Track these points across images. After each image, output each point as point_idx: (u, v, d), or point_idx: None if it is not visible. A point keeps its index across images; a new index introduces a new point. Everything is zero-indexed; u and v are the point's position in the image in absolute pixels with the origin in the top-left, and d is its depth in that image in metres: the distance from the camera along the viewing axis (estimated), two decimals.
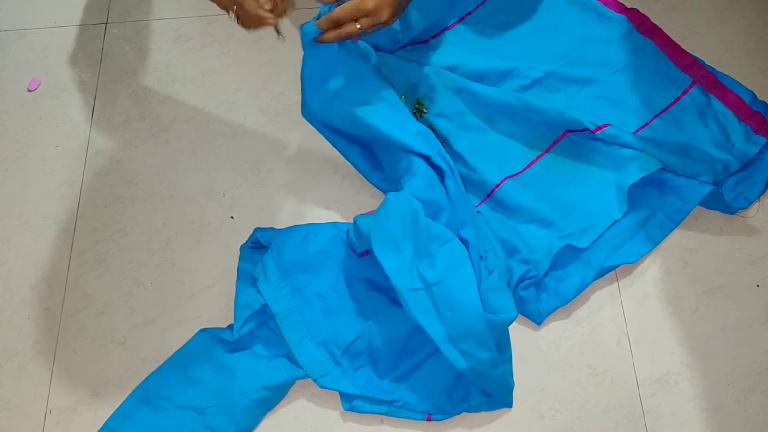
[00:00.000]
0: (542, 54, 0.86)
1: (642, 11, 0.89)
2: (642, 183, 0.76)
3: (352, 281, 0.76)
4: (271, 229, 0.79)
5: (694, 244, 0.79)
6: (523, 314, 0.75)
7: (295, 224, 0.79)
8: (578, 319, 0.76)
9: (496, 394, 0.71)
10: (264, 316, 0.74)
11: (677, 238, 0.79)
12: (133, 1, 0.98)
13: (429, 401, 0.71)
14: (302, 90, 0.76)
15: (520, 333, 0.75)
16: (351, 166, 0.83)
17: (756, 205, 0.79)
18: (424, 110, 0.84)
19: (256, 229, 0.78)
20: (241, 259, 0.78)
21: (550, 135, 0.82)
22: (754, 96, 0.82)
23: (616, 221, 0.76)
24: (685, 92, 0.83)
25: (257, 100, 0.90)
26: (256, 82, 0.91)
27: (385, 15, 0.69)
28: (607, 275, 0.77)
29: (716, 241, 0.79)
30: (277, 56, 0.92)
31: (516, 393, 0.73)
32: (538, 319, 0.75)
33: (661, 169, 0.76)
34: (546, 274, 0.75)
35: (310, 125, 0.81)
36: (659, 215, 0.78)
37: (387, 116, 0.74)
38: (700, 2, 0.91)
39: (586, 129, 0.78)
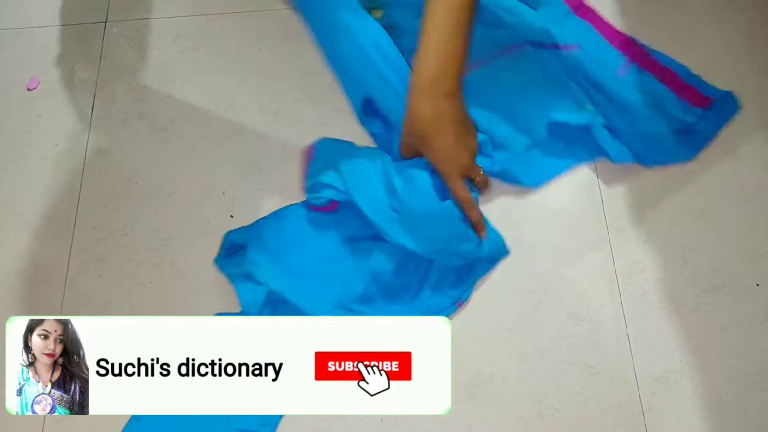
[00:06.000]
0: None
1: (641, 10, 0.89)
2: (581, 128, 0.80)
3: (335, 245, 0.78)
4: (240, 228, 0.80)
5: (694, 242, 0.79)
6: (506, 181, 0.80)
7: None
8: (578, 318, 0.76)
9: (494, 256, 0.77)
10: (273, 303, 0.76)
11: (677, 236, 0.79)
12: (132, 0, 0.98)
13: (449, 293, 0.76)
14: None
15: (519, 333, 0.76)
16: None
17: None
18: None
19: (227, 233, 0.79)
20: (222, 269, 0.79)
21: (508, 40, 0.84)
22: (688, 70, 0.84)
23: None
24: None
25: (257, 98, 0.90)
26: (255, 81, 0.91)
27: None
28: (606, 274, 0.77)
29: (716, 239, 0.79)
30: (277, 55, 0.92)
31: (515, 392, 0.73)
32: (518, 180, 0.80)
33: (605, 126, 0.80)
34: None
35: (310, 125, 0.81)
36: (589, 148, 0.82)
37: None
38: (700, 2, 0.91)
39: (555, 45, 0.80)
